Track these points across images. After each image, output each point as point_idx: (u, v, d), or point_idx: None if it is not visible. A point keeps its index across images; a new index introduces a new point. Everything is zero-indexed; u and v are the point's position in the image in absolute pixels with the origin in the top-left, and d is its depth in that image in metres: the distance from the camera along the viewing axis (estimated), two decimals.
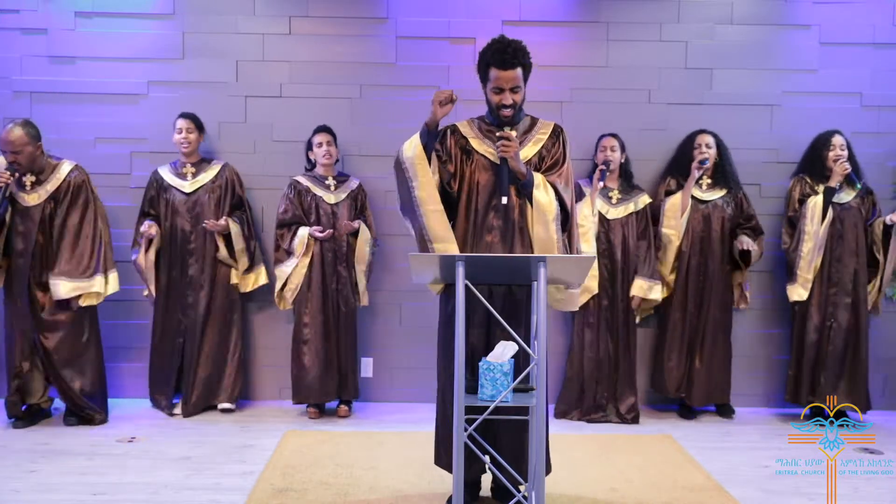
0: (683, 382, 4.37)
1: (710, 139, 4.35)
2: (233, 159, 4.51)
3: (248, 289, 4.39)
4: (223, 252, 4.25)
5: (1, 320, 4.18)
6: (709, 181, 4.39)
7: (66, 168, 4.01)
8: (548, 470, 2.91)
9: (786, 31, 4.62)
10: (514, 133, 2.82)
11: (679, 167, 4.41)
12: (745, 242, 4.26)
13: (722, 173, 4.38)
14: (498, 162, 2.81)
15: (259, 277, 4.42)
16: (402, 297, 4.56)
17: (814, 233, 4.24)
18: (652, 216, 4.39)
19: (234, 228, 4.25)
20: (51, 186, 3.96)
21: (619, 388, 4.28)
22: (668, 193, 4.38)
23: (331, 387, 4.27)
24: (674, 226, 4.29)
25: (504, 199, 2.78)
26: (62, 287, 3.88)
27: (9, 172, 3.83)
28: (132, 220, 4.34)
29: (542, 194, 2.82)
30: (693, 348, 4.37)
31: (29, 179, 3.95)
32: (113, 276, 4.08)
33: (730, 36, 4.60)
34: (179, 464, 3.47)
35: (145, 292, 4.32)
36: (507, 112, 2.85)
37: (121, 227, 4.37)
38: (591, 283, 4.15)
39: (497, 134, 2.81)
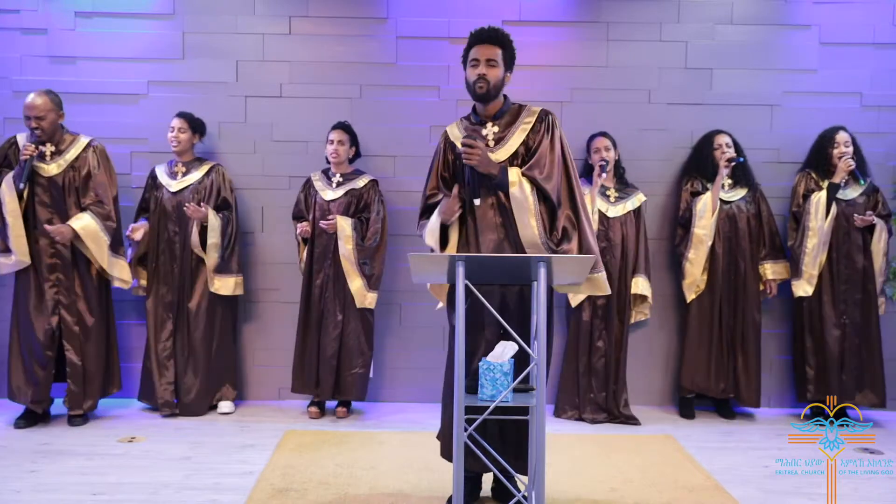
0: (730, 383, 4.36)
1: (728, 139, 4.36)
2: (233, 159, 4.51)
3: (222, 291, 4.24)
4: (195, 239, 4.19)
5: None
6: (730, 181, 4.39)
7: (84, 140, 4.09)
8: None
9: (786, 31, 4.62)
10: (469, 139, 2.81)
11: (698, 168, 4.41)
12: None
13: (742, 172, 4.38)
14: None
15: (228, 285, 4.26)
16: (402, 297, 4.56)
17: (817, 228, 4.24)
18: (680, 219, 4.41)
19: (213, 220, 4.19)
20: (70, 156, 4.03)
21: (615, 385, 4.28)
22: (695, 195, 4.38)
23: (312, 384, 4.26)
24: (705, 226, 4.28)
25: (477, 202, 2.82)
26: (85, 221, 3.94)
27: (33, 145, 3.88)
28: (131, 221, 4.33)
29: (517, 191, 2.79)
30: (734, 348, 4.36)
31: (49, 149, 4.00)
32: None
33: (730, 36, 4.60)
34: (179, 464, 3.47)
35: (137, 289, 4.35)
36: (482, 86, 2.83)
37: (121, 227, 4.36)
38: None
39: (462, 141, 2.82)
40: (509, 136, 2.89)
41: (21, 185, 3.86)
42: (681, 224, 4.43)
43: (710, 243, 4.30)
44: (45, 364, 3.98)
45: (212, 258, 4.22)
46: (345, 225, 4.19)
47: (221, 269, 4.26)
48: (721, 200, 4.34)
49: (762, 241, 4.42)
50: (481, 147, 2.80)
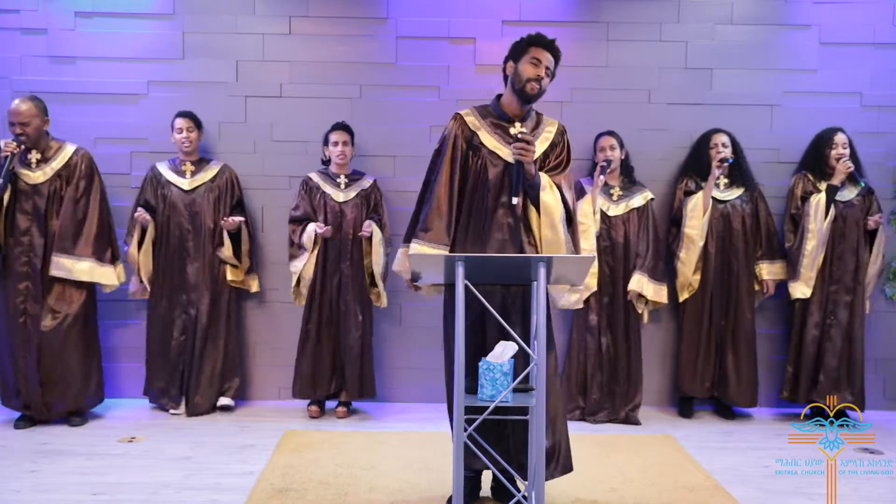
0: (714, 382, 4.37)
1: (725, 138, 4.35)
2: (233, 159, 4.51)
3: (256, 289, 4.48)
4: (228, 252, 4.26)
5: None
6: (726, 181, 4.39)
7: (70, 148, 4.05)
8: (569, 469, 2.92)
9: (786, 31, 4.62)
10: (529, 135, 2.81)
11: (695, 167, 4.41)
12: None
13: (739, 172, 4.38)
14: (510, 160, 2.81)
15: (258, 280, 4.52)
16: (402, 297, 4.55)
17: (817, 230, 4.24)
18: (673, 217, 4.42)
19: (244, 228, 4.34)
20: (56, 164, 3.99)
21: (621, 387, 4.27)
22: (688, 194, 4.38)
23: (326, 385, 4.27)
24: (696, 226, 4.28)
25: (515, 200, 2.79)
26: (80, 266, 3.92)
27: (14, 143, 3.84)
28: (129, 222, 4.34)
29: (549, 196, 2.83)
30: (724, 348, 4.36)
31: (34, 157, 3.97)
32: (120, 269, 4.17)
33: (730, 36, 4.60)
34: (179, 464, 3.47)
35: (131, 289, 4.31)
36: (535, 86, 2.86)
37: (120, 227, 4.36)
38: (591, 280, 4.14)
39: (516, 134, 2.80)
40: (534, 140, 2.89)
41: None
42: (673, 223, 4.44)
43: (701, 243, 4.30)
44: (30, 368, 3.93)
45: (245, 263, 4.39)
46: (377, 230, 4.23)
47: (251, 269, 4.45)
48: (715, 200, 4.34)
49: (758, 241, 4.42)
50: (535, 145, 2.82)
